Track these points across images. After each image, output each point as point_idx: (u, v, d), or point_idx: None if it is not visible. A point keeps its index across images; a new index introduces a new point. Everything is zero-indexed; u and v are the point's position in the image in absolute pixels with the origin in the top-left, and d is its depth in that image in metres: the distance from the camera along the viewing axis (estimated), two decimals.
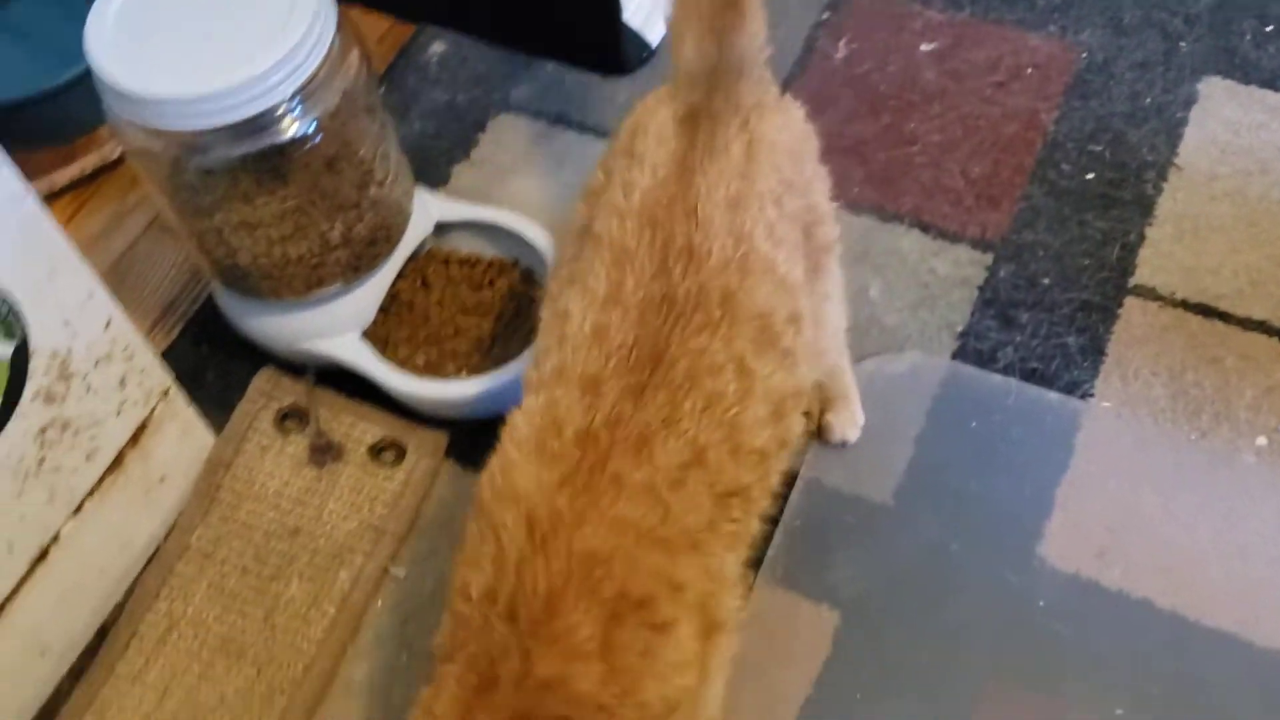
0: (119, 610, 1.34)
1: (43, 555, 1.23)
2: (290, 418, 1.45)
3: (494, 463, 0.92)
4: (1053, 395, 1.39)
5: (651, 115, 1.04)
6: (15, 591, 1.21)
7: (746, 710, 1.22)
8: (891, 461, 1.36)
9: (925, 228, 1.54)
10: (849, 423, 1.37)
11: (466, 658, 0.85)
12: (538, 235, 1.47)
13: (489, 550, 0.87)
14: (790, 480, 1.34)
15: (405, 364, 1.43)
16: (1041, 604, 1.25)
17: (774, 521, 1.31)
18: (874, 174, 1.60)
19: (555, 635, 0.82)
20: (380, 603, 1.33)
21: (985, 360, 1.43)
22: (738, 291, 0.93)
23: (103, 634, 1.33)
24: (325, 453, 1.42)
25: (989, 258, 1.51)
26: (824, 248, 1.11)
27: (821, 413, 1.37)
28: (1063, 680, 1.20)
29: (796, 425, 1.00)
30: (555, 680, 0.81)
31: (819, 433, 1.37)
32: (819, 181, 1.10)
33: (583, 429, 0.89)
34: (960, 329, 1.45)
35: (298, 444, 1.43)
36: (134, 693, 1.28)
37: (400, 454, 1.42)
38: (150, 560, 1.37)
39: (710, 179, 0.97)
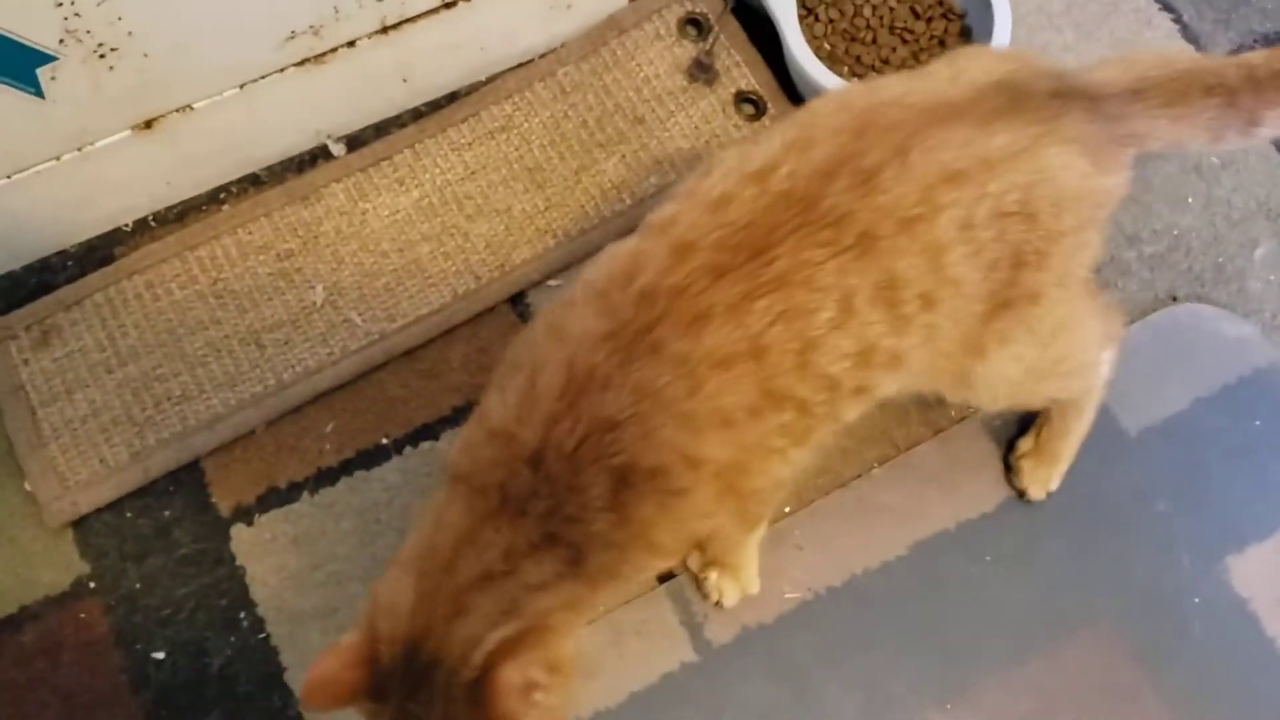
0: (471, 90, 1.48)
1: (451, 4, 1.35)
2: (692, 25, 1.50)
3: (564, 295, 0.92)
4: None
5: (989, 57, 1.00)
6: (415, 19, 1.34)
7: (896, 507, 1.29)
8: (1158, 403, 1.33)
9: None
10: (1037, 479, 1.28)
11: (483, 486, 0.88)
12: (1001, 8, 1.42)
13: (520, 384, 0.88)
14: None
15: (811, 41, 1.45)
16: (1196, 600, 1.25)
17: None
18: None
19: (575, 488, 0.86)
20: None
21: None
22: (882, 240, 0.87)
23: (450, 99, 1.48)
24: (703, 72, 1.48)
25: None
26: (1027, 295, 0.98)
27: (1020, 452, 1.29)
28: (1167, 666, 1.22)
29: (885, 384, 0.95)
30: (575, 518, 0.87)
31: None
32: (1073, 243, 0.97)
33: (648, 287, 0.87)
34: None
35: (685, 50, 1.49)
36: (449, 158, 1.43)
37: (760, 113, 1.47)
38: (517, 67, 1.49)
39: (953, 139, 0.90)
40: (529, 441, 0.86)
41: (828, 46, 1.47)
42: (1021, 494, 1.29)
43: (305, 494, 1.29)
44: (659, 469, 0.87)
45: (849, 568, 1.27)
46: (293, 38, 1.27)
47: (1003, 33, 1.39)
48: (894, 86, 0.96)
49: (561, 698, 0.89)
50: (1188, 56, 1.05)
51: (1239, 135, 0.98)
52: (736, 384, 0.87)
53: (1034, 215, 0.92)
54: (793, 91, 1.47)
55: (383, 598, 0.88)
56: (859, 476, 1.29)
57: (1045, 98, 0.94)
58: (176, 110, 1.28)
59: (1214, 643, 1.24)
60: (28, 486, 1.27)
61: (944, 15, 1.48)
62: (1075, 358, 1.12)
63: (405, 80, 1.43)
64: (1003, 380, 1.06)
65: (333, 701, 0.86)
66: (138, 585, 1.25)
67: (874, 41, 1.47)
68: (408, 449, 1.31)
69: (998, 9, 1.41)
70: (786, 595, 1.26)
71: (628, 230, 1.39)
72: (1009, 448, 1.31)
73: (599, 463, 0.85)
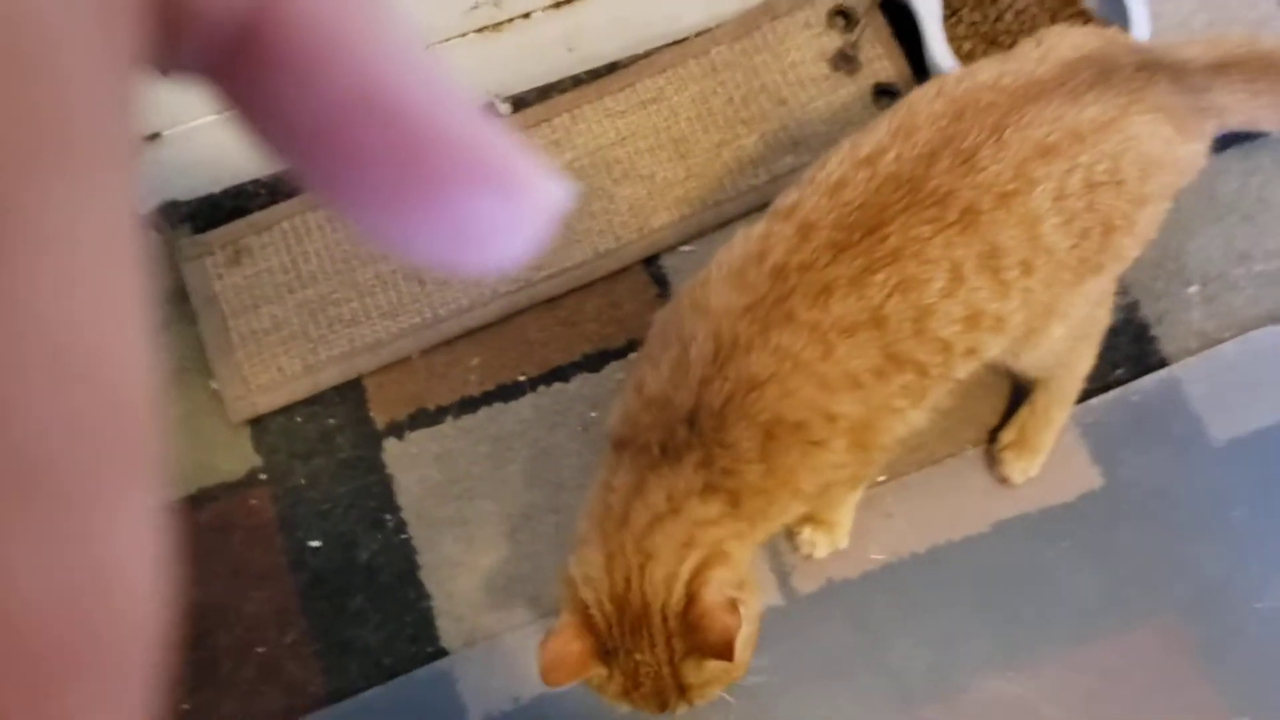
0: (630, 61, 1.60)
1: None
2: (840, 16, 1.59)
3: (701, 275, 1.04)
4: None
5: (1076, 34, 1.05)
6: None
7: (983, 487, 1.39)
8: (1248, 417, 1.40)
9: None
10: (1017, 468, 1.35)
11: (645, 445, 1.01)
12: (1139, 17, 1.47)
13: (673, 355, 1.01)
14: (1159, 363, 1.42)
15: (952, 42, 1.52)
16: (1258, 605, 1.33)
17: (1121, 383, 1.41)
18: None
19: (726, 443, 0.99)
20: None
21: None
22: (983, 215, 0.97)
23: (609, 69, 1.60)
24: (845, 63, 1.57)
25: None
26: (1116, 258, 1.07)
27: (1003, 444, 1.35)
28: (1220, 660, 1.31)
29: (989, 345, 1.04)
30: (729, 470, 1.00)
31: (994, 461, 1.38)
32: (1154, 210, 1.05)
33: (780, 265, 0.99)
34: None
35: (831, 40, 1.58)
36: (603, 124, 1.56)
37: None
38: (675, 43, 1.60)
39: (1044, 115, 0.98)
40: (684, 403, 0.99)
41: (967, 47, 1.54)
42: (1003, 481, 1.37)
43: (449, 418, 1.44)
44: (801, 423, 0.99)
45: (932, 538, 1.38)
46: (476, 7, 1.41)
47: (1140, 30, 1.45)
48: (987, 71, 1.05)
49: (753, 610, 1.03)
50: (1275, 39, 1.12)
51: None
52: (862, 349, 0.98)
53: (1122, 182, 1.00)
54: None
55: (576, 573, 1.00)
56: (952, 455, 1.40)
57: (1132, 69, 1.02)
58: None
59: (1267, 645, 1.32)
60: (214, 385, 1.46)
61: (1080, 18, 1.54)
62: (1103, 323, 1.22)
63: (571, 49, 1.55)
64: (1057, 340, 1.15)
65: (570, 674, 0.98)
66: (302, 481, 1.43)
67: (1013, 46, 1.53)
68: (541, 387, 1.46)
69: (1134, 14, 1.47)
70: (871, 556, 1.37)
71: (761, 204, 1.52)
72: (990, 439, 1.40)
73: (746, 419, 0.98)
